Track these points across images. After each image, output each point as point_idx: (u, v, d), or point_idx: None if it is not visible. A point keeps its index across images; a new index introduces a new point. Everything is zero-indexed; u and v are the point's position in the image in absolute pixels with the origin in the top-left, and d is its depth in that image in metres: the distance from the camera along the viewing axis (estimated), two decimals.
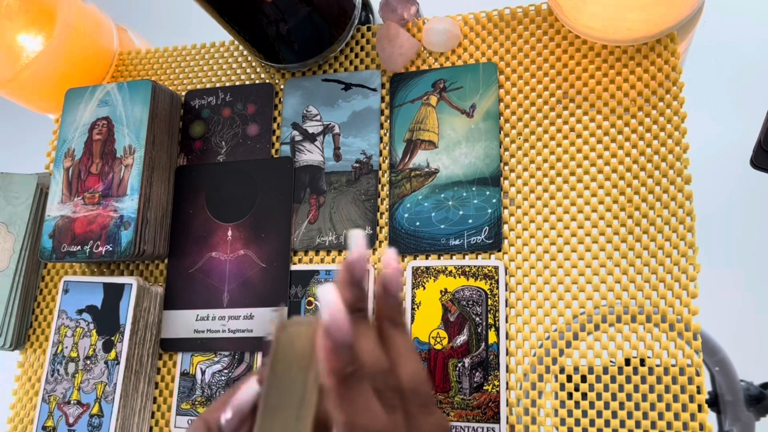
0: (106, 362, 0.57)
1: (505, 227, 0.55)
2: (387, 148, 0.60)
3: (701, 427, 0.47)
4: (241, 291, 0.59)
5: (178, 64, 0.71)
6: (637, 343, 0.50)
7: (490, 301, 0.53)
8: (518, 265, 0.54)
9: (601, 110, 0.55)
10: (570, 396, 0.50)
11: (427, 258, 0.56)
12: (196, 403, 0.58)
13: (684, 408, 0.47)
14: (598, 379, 0.50)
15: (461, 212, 0.55)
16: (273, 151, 0.64)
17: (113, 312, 0.58)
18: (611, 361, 0.50)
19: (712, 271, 0.59)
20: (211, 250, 0.61)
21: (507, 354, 0.52)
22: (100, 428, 0.56)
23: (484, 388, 0.51)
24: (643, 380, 0.49)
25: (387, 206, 0.58)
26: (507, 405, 0.51)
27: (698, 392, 0.47)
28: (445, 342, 0.53)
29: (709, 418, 0.48)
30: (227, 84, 0.68)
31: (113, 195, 0.59)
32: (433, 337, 0.53)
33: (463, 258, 0.55)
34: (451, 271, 0.54)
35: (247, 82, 0.67)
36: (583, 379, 0.50)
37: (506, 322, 0.53)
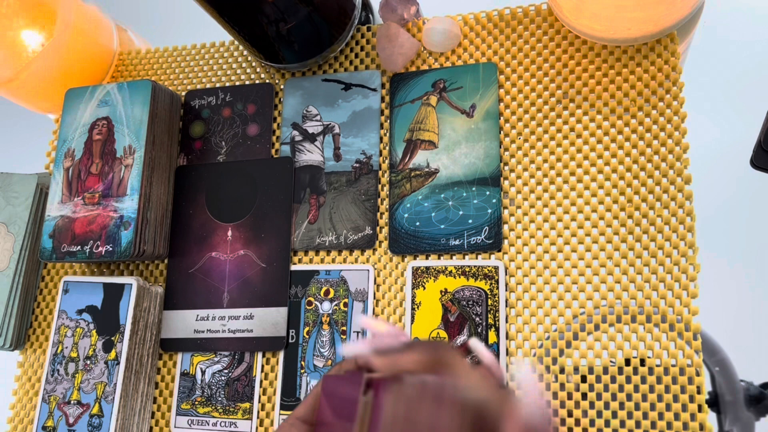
0: (106, 362, 0.57)
1: (505, 227, 0.55)
2: (387, 148, 0.60)
3: (701, 427, 0.47)
4: (241, 291, 0.59)
5: (178, 64, 0.71)
6: (637, 343, 0.50)
7: (490, 301, 0.53)
8: (518, 265, 0.54)
9: (601, 110, 0.55)
10: (570, 396, 0.50)
11: (427, 258, 0.56)
12: (196, 403, 0.58)
13: (684, 408, 0.47)
14: (598, 379, 0.50)
15: (461, 212, 0.55)
16: (273, 151, 0.64)
17: (113, 312, 0.58)
18: (611, 361, 0.50)
19: (712, 271, 0.59)
20: (211, 250, 0.61)
21: (507, 354, 0.52)
22: (100, 428, 0.56)
23: None
24: (643, 380, 0.49)
25: (387, 206, 0.58)
26: None
27: (698, 392, 0.47)
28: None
29: (709, 418, 0.48)
30: (227, 84, 0.68)
31: (113, 195, 0.59)
32: (433, 338, 0.53)
33: (463, 258, 0.55)
34: (451, 271, 0.54)
35: (247, 82, 0.67)
36: (583, 379, 0.50)
37: (506, 322, 0.53)
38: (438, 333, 0.53)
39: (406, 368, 0.30)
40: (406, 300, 0.55)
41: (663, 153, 0.53)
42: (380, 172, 0.60)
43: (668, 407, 0.48)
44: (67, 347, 0.59)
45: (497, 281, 0.53)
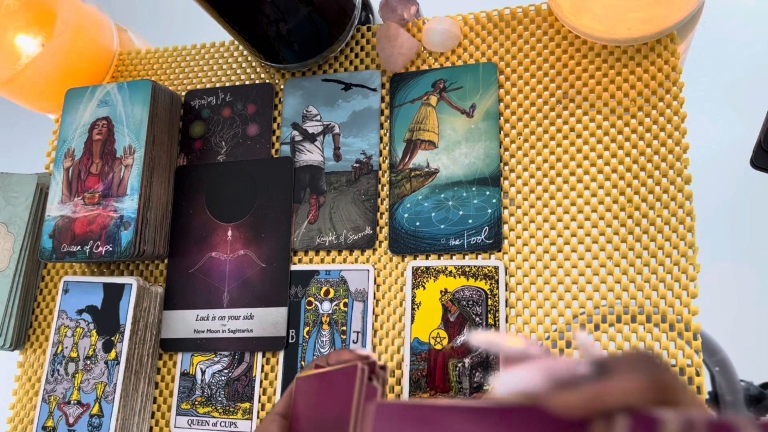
0: (106, 362, 0.57)
1: (505, 227, 0.55)
2: (387, 148, 0.60)
3: None
4: (241, 291, 0.59)
5: (178, 64, 0.71)
6: (637, 343, 0.50)
7: (490, 301, 0.53)
8: (518, 265, 0.54)
9: (601, 110, 0.55)
10: None
11: (427, 258, 0.56)
12: (196, 403, 0.58)
13: None
14: None
15: (461, 212, 0.55)
16: (273, 151, 0.64)
17: (113, 312, 0.58)
18: None
19: (712, 271, 0.59)
20: (211, 250, 0.61)
21: None
22: (100, 428, 0.56)
23: (484, 388, 0.51)
24: None
25: (387, 206, 0.58)
26: None
27: (698, 392, 0.47)
28: (445, 342, 0.53)
29: None
30: (227, 84, 0.68)
31: (113, 195, 0.59)
32: (433, 337, 0.53)
33: (463, 258, 0.55)
34: (451, 271, 0.54)
35: (247, 82, 0.67)
36: None
37: (506, 322, 0.53)
38: (438, 333, 0.53)
39: (620, 402, 0.20)
40: (406, 300, 0.55)
41: (663, 153, 0.53)
42: (380, 172, 0.60)
43: None
44: (67, 347, 0.59)
45: (497, 281, 0.53)
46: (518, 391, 0.21)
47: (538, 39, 0.59)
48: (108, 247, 0.57)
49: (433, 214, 0.56)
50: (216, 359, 0.59)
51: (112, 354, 0.57)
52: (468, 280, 0.54)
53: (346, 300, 0.57)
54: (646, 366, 0.21)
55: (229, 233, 0.61)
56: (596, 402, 0.20)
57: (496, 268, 0.53)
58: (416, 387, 0.53)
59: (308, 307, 0.58)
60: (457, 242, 0.55)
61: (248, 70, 0.68)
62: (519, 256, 0.54)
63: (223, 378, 0.58)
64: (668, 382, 0.20)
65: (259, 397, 0.57)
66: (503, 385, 0.21)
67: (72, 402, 0.57)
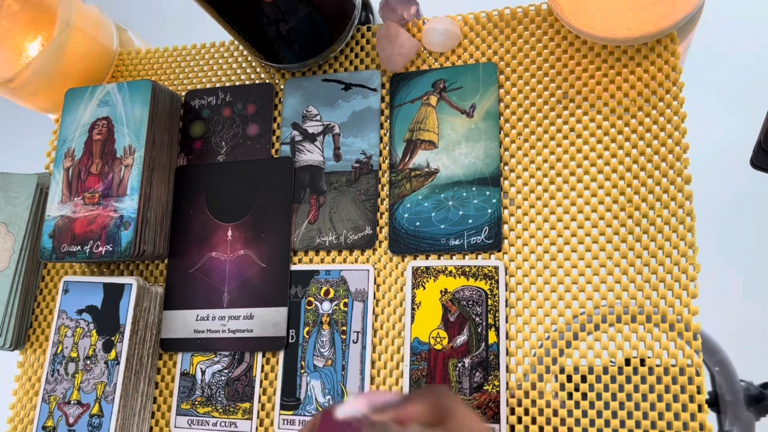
0: (106, 362, 0.57)
1: (505, 227, 0.55)
2: (387, 148, 0.60)
3: (701, 427, 0.47)
4: (241, 291, 0.59)
5: (178, 64, 0.71)
6: (637, 343, 0.50)
7: (490, 301, 0.53)
8: (518, 265, 0.54)
9: (601, 110, 0.55)
10: (570, 396, 0.50)
11: (427, 258, 0.56)
12: (196, 403, 0.58)
13: (684, 408, 0.47)
14: (598, 379, 0.50)
15: (461, 212, 0.55)
16: (273, 151, 0.64)
17: (113, 312, 0.58)
18: (611, 361, 0.50)
19: (712, 271, 0.59)
20: (211, 250, 0.61)
21: (507, 354, 0.52)
22: (100, 428, 0.56)
23: (484, 388, 0.51)
24: (643, 380, 0.49)
25: (387, 206, 0.58)
26: (507, 405, 0.51)
27: (698, 392, 0.47)
28: (445, 342, 0.53)
29: (709, 418, 0.48)
30: (227, 84, 0.68)
31: (113, 195, 0.59)
32: (433, 337, 0.53)
33: (463, 258, 0.55)
34: (451, 271, 0.54)
35: (247, 82, 0.67)
36: (583, 379, 0.50)
37: (506, 322, 0.53)
38: (438, 333, 0.53)
39: (410, 421, 0.31)
40: (406, 300, 0.55)
41: (663, 153, 0.53)
42: (380, 172, 0.60)
43: (668, 407, 0.48)
44: (67, 347, 0.59)
45: (497, 281, 0.53)
46: (350, 413, 0.33)
47: (538, 39, 0.59)
48: (108, 247, 0.57)
49: (433, 214, 0.56)
50: (216, 359, 0.59)
51: (112, 354, 0.57)
52: (468, 280, 0.54)
53: (346, 300, 0.57)
54: (431, 396, 0.32)
55: (229, 233, 0.61)
56: (395, 420, 0.31)
57: (496, 268, 0.53)
58: (416, 387, 0.53)
59: (308, 307, 0.58)
60: (457, 242, 0.55)
61: (248, 70, 0.68)
62: (519, 256, 0.54)
63: (223, 378, 0.58)
64: (445, 407, 0.32)
65: (259, 397, 0.57)
66: (341, 410, 0.33)
67: (72, 402, 0.57)
